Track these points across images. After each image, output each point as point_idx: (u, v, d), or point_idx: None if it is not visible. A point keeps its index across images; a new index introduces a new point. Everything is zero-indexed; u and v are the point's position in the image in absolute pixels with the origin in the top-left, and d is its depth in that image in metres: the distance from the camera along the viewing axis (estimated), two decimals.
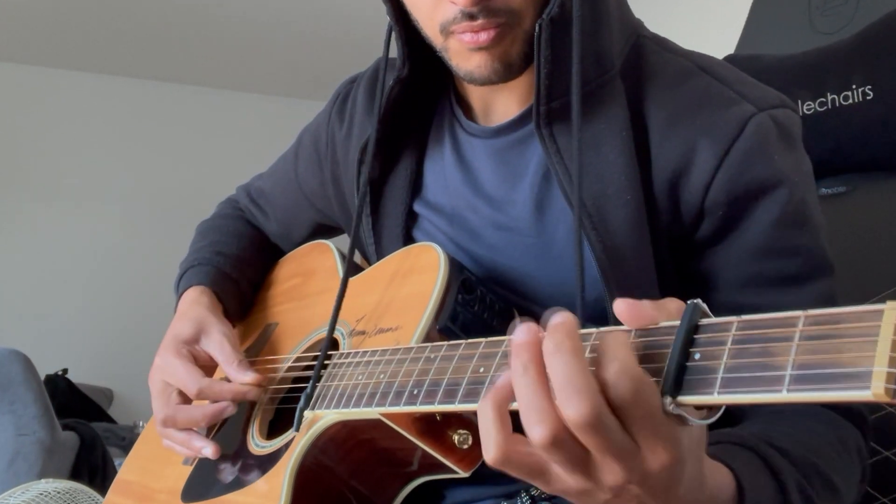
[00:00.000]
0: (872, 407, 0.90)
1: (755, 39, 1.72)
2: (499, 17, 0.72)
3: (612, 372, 0.46)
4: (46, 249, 4.04)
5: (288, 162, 1.10)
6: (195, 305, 0.96)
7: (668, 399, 0.45)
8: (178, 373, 0.88)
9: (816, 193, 0.80)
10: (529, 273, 0.82)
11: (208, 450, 0.86)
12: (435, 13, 0.74)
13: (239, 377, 0.86)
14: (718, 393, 0.44)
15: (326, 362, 0.79)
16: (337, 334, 0.85)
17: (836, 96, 1.19)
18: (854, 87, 1.17)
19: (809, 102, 1.21)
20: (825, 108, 1.19)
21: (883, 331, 0.38)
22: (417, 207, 0.91)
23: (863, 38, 1.20)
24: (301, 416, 0.76)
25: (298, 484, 0.74)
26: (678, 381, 0.45)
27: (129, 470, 1.05)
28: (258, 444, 0.85)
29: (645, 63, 0.80)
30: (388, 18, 0.83)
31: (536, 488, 0.77)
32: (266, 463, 0.80)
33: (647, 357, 0.48)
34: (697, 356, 0.46)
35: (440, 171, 0.90)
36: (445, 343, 0.64)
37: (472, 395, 0.57)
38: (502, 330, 0.78)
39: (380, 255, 0.91)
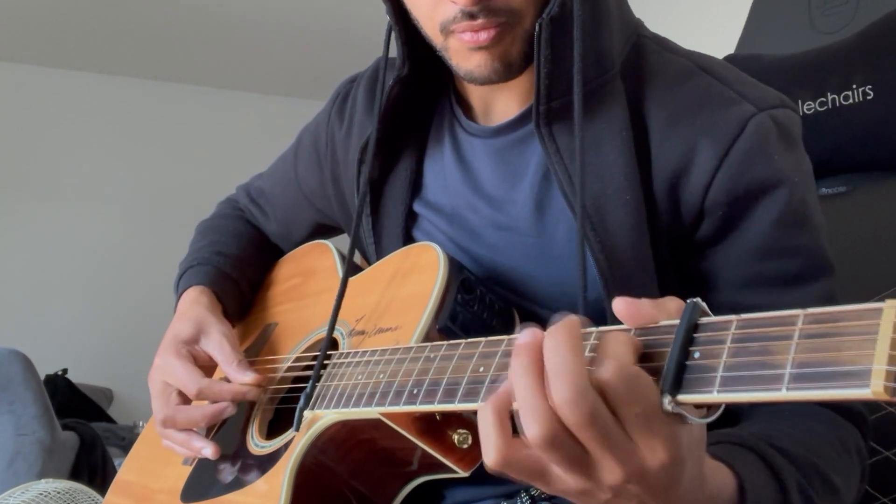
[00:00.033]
0: (872, 407, 0.90)
1: (755, 39, 1.72)
2: (499, 16, 0.72)
3: (608, 371, 0.46)
4: (46, 249, 4.04)
5: (287, 162, 1.09)
6: (195, 305, 0.96)
7: (668, 398, 0.45)
8: (178, 373, 0.88)
9: (816, 193, 0.80)
10: (529, 273, 0.82)
11: (208, 450, 0.86)
12: (435, 12, 0.74)
13: (238, 377, 0.86)
14: (718, 392, 0.44)
15: (326, 362, 0.79)
16: (336, 334, 0.85)
17: (836, 96, 1.19)
18: (854, 86, 1.17)
19: (810, 102, 1.21)
20: (825, 107, 1.19)
21: (882, 329, 0.38)
22: (417, 207, 0.91)
23: (863, 37, 1.20)
24: (301, 416, 0.76)
25: (298, 484, 0.74)
26: (678, 379, 0.45)
27: (128, 470, 1.05)
28: (258, 444, 0.85)
29: (645, 63, 0.80)
30: (388, 18, 0.83)
31: (536, 488, 0.77)
32: (266, 463, 0.80)
33: (646, 356, 0.48)
34: (697, 355, 0.46)
35: (440, 170, 0.90)
36: (445, 343, 0.64)
37: (471, 394, 0.57)
38: (502, 330, 0.78)
39: (379, 255, 0.91)
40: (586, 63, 0.74)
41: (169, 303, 1.04)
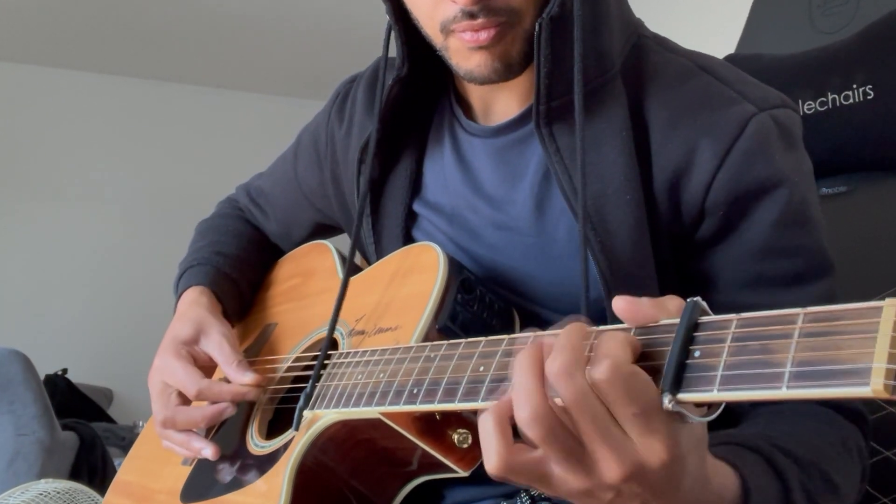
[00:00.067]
0: (872, 406, 0.90)
1: (756, 39, 1.72)
2: (499, 16, 0.72)
3: (603, 370, 0.46)
4: (46, 249, 4.04)
5: (287, 161, 1.09)
6: (194, 306, 0.96)
7: (668, 396, 0.45)
8: (178, 374, 0.88)
9: (817, 193, 0.80)
10: (529, 273, 0.82)
11: (208, 451, 0.86)
12: (435, 12, 0.74)
13: (238, 378, 0.86)
14: (718, 390, 0.44)
15: (326, 362, 0.79)
16: (336, 334, 0.85)
17: (836, 96, 1.19)
18: (855, 86, 1.17)
19: (810, 102, 1.21)
20: (826, 107, 1.19)
21: (882, 327, 0.39)
22: (417, 207, 0.91)
23: (864, 37, 1.20)
24: (300, 416, 0.76)
25: (298, 483, 0.74)
26: (678, 378, 0.45)
27: (128, 470, 1.05)
28: (257, 444, 0.85)
29: (645, 63, 0.80)
30: (388, 18, 0.83)
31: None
32: (265, 463, 0.80)
33: (646, 355, 0.48)
34: (697, 354, 0.46)
35: (440, 170, 0.90)
36: (445, 342, 0.64)
37: (471, 393, 0.57)
38: (502, 329, 0.78)
39: (379, 255, 0.91)
40: (586, 63, 0.74)
41: (169, 303, 1.04)
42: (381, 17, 0.83)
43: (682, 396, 0.45)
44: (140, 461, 1.04)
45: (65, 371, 3.68)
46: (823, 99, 1.20)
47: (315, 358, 0.81)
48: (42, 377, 2.46)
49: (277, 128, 2.80)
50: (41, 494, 1.58)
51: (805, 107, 1.21)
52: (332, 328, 0.82)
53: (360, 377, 0.71)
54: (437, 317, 0.74)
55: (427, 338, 0.72)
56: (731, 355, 0.44)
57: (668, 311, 0.49)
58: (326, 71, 3.34)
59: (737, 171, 0.73)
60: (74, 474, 2.38)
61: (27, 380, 2.21)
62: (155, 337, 0.98)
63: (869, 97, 1.16)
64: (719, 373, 0.44)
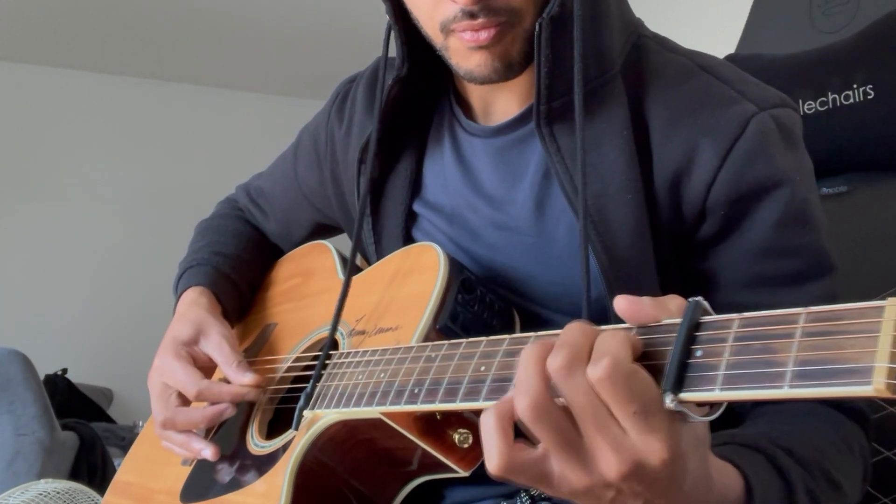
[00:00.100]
0: (874, 406, 0.90)
1: (756, 39, 1.72)
2: (499, 15, 0.72)
3: (602, 368, 0.46)
4: (46, 249, 4.04)
5: (287, 161, 1.09)
6: (194, 306, 0.96)
7: (670, 396, 0.45)
8: (177, 374, 0.88)
9: (818, 193, 0.80)
10: (529, 273, 0.82)
11: (208, 451, 0.86)
12: (435, 12, 0.74)
13: (238, 378, 0.86)
14: (720, 390, 0.44)
15: (326, 362, 0.79)
16: (336, 334, 0.85)
17: (837, 96, 1.19)
18: (855, 86, 1.17)
19: (810, 102, 1.21)
20: (826, 107, 1.19)
21: (884, 327, 0.39)
22: (417, 207, 0.91)
23: (864, 37, 1.20)
24: (300, 416, 0.76)
25: (298, 483, 0.73)
26: (680, 377, 0.45)
27: (127, 470, 1.05)
28: (257, 445, 0.85)
29: (646, 62, 0.80)
30: (388, 18, 0.83)
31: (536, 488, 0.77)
32: (265, 463, 0.80)
33: (648, 354, 0.48)
34: (699, 353, 0.46)
35: (440, 170, 0.90)
36: (446, 342, 0.64)
37: (473, 393, 0.57)
38: (502, 329, 0.78)
39: (380, 255, 0.91)
40: (587, 63, 0.74)
41: (169, 303, 1.04)
42: (381, 16, 0.83)
43: (684, 396, 0.45)
44: (139, 461, 1.04)
45: (65, 371, 3.68)
46: (823, 99, 1.20)
47: (315, 358, 0.81)
48: (42, 377, 2.45)
49: (277, 128, 2.80)
50: (41, 494, 1.58)
51: (805, 107, 1.21)
52: (335, 328, 0.82)
53: (360, 377, 0.71)
54: (438, 317, 0.74)
55: (427, 338, 0.72)
56: (733, 355, 0.44)
57: (669, 310, 0.49)
58: (326, 71, 3.34)
59: (738, 170, 0.73)
60: (74, 474, 2.38)
61: (27, 380, 2.21)
62: (155, 337, 0.97)
63: (869, 97, 1.16)
64: (721, 372, 0.44)
